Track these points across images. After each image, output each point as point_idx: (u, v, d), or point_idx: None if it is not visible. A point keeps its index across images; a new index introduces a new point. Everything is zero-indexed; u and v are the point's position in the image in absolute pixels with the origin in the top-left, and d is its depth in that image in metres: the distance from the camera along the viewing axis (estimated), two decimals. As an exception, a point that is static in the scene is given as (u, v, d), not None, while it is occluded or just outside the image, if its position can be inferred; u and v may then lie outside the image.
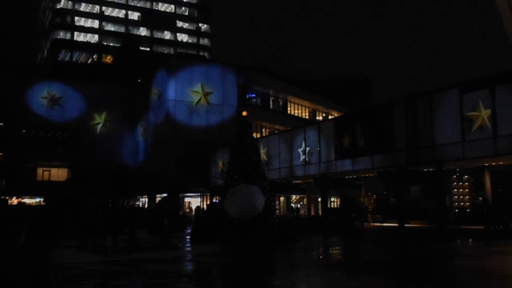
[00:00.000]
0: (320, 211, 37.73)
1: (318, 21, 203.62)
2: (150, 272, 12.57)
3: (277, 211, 35.07)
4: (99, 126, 57.63)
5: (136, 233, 20.47)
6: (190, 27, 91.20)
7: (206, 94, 48.38)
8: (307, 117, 58.77)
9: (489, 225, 22.17)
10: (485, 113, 21.37)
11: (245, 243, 18.63)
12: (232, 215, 18.53)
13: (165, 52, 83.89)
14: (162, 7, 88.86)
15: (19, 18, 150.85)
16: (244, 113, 23.22)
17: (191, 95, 47.87)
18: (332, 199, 48.00)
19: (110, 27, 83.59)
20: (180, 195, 45.86)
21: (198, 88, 48.34)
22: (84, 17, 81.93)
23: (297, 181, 38.00)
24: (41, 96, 54.66)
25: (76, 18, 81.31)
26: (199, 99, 48.08)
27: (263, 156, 33.83)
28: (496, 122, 20.96)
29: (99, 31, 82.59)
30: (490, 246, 18.50)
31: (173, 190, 44.35)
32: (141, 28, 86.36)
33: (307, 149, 33.04)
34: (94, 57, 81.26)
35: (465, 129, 22.27)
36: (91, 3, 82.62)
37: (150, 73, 54.40)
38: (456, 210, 30.03)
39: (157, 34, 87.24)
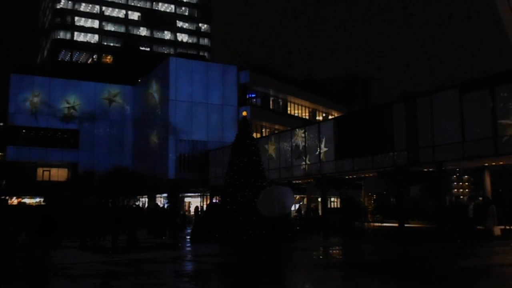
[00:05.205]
0: (320, 211, 37.70)
1: (318, 21, 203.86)
2: (150, 272, 12.58)
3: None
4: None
5: (136, 233, 20.52)
6: (190, 27, 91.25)
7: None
8: (307, 117, 58.72)
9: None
10: (485, 112, 21.38)
11: (246, 243, 18.63)
12: (263, 213, 18.34)
13: (165, 52, 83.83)
14: (162, 7, 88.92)
15: (19, 18, 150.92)
16: (244, 113, 23.26)
17: (191, 95, 47.83)
18: (332, 199, 47.98)
19: (110, 27, 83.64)
20: (180, 195, 45.86)
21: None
22: (84, 17, 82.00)
23: (297, 181, 37.97)
24: (41, 96, 54.61)
25: (76, 18, 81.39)
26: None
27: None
28: (496, 122, 20.95)
29: (99, 31, 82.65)
30: (490, 246, 18.49)
31: (173, 190, 44.34)
32: (141, 28, 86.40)
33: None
34: (94, 57, 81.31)
35: (465, 128, 22.27)
36: (91, 3, 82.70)
37: (149, 73, 54.38)
38: (456, 210, 30.00)
39: (157, 34, 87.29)
